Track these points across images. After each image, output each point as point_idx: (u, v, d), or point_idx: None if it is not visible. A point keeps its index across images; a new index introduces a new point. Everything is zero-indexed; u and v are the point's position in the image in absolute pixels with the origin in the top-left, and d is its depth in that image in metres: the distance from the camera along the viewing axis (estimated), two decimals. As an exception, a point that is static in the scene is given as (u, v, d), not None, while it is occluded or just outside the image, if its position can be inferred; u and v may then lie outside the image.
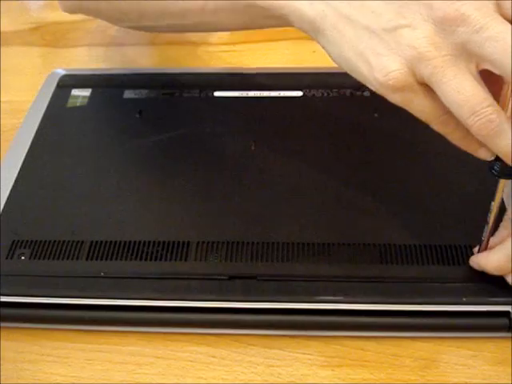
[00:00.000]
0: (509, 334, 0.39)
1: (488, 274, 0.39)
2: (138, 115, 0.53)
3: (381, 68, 0.32)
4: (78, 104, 0.53)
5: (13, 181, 0.47)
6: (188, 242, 0.42)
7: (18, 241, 0.43)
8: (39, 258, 0.42)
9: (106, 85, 0.57)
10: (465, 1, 0.30)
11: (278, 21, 0.40)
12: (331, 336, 0.40)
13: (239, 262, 0.41)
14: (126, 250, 0.42)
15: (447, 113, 0.33)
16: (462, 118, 0.31)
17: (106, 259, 0.41)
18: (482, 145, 0.33)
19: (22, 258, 0.42)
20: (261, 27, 0.47)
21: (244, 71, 0.59)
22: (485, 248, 0.40)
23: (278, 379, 0.39)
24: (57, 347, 0.41)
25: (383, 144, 0.49)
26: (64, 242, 0.43)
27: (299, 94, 0.54)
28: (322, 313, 0.39)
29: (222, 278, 0.40)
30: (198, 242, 0.42)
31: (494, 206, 0.38)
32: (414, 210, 0.44)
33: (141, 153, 0.49)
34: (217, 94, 0.55)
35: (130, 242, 0.42)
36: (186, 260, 0.41)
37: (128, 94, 0.55)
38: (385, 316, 0.39)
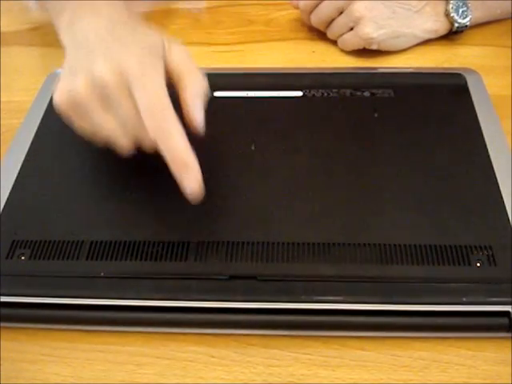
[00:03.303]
0: (509, 334, 0.39)
1: None
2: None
3: None
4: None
5: (13, 181, 0.47)
6: (188, 242, 0.42)
7: (18, 241, 0.43)
8: (39, 258, 0.42)
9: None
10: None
11: None
12: (331, 336, 0.40)
13: (239, 262, 0.41)
14: (125, 250, 0.42)
15: None
16: None
17: (106, 259, 0.41)
18: None
19: (22, 258, 0.42)
20: None
21: (244, 71, 0.59)
22: None
23: (278, 379, 0.39)
24: (57, 347, 0.41)
25: (383, 144, 0.49)
26: (64, 242, 0.43)
27: (299, 94, 0.54)
28: (321, 313, 0.39)
29: (222, 278, 0.40)
30: (198, 242, 0.42)
31: None
32: (414, 210, 0.44)
33: (140, 153, 0.49)
34: (217, 94, 0.54)
35: (130, 242, 0.42)
36: (185, 260, 0.41)
37: (128, 94, 0.55)
38: (385, 316, 0.39)
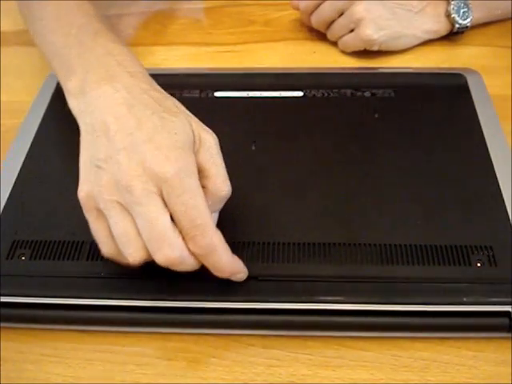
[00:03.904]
0: (509, 335, 0.39)
1: None
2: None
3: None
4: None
5: (13, 181, 0.47)
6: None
7: (18, 241, 0.43)
8: (39, 259, 0.42)
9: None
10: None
11: None
12: (331, 336, 0.40)
13: (239, 262, 0.41)
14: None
15: None
16: None
17: (106, 259, 0.41)
18: None
19: (22, 258, 0.42)
20: None
21: (244, 71, 0.59)
22: None
23: (278, 379, 0.39)
24: (57, 347, 0.41)
25: (383, 144, 0.49)
26: (64, 242, 0.43)
27: (299, 94, 0.54)
28: (322, 313, 0.39)
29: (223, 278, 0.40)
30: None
31: None
32: (414, 210, 0.44)
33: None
34: (217, 94, 0.54)
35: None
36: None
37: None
38: (385, 316, 0.39)
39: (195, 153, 0.38)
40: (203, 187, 0.38)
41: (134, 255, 0.37)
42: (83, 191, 0.39)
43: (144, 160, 0.36)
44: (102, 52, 0.44)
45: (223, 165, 0.40)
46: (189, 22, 0.69)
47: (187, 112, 0.41)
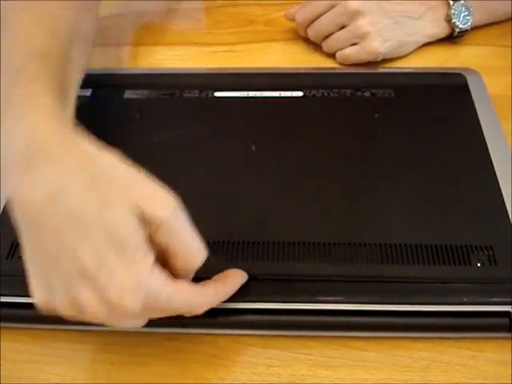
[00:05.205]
0: (509, 335, 0.39)
1: None
2: (138, 115, 0.53)
3: None
4: (78, 104, 0.53)
5: (13, 181, 0.47)
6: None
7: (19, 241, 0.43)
8: (39, 258, 0.42)
9: (106, 85, 0.57)
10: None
11: None
12: (331, 336, 0.40)
13: (239, 261, 0.41)
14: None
15: None
16: None
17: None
18: None
19: (23, 258, 0.42)
20: None
21: (244, 71, 0.59)
22: None
23: (278, 379, 0.39)
24: (57, 347, 0.41)
25: (384, 144, 0.49)
26: (64, 242, 0.42)
27: (299, 94, 0.54)
28: (322, 313, 0.39)
29: (222, 278, 0.40)
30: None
31: None
32: (414, 210, 0.44)
33: (141, 153, 0.49)
34: (217, 94, 0.54)
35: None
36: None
37: (128, 94, 0.55)
38: (385, 316, 0.39)
39: (153, 235, 0.33)
40: (171, 265, 0.34)
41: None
42: (39, 306, 0.34)
43: (103, 295, 0.32)
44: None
45: (190, 234, 0.34)
46: (189, 22, 0.69)
47: (128, 174, 0.34)
